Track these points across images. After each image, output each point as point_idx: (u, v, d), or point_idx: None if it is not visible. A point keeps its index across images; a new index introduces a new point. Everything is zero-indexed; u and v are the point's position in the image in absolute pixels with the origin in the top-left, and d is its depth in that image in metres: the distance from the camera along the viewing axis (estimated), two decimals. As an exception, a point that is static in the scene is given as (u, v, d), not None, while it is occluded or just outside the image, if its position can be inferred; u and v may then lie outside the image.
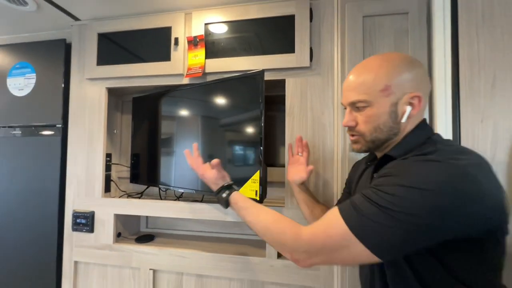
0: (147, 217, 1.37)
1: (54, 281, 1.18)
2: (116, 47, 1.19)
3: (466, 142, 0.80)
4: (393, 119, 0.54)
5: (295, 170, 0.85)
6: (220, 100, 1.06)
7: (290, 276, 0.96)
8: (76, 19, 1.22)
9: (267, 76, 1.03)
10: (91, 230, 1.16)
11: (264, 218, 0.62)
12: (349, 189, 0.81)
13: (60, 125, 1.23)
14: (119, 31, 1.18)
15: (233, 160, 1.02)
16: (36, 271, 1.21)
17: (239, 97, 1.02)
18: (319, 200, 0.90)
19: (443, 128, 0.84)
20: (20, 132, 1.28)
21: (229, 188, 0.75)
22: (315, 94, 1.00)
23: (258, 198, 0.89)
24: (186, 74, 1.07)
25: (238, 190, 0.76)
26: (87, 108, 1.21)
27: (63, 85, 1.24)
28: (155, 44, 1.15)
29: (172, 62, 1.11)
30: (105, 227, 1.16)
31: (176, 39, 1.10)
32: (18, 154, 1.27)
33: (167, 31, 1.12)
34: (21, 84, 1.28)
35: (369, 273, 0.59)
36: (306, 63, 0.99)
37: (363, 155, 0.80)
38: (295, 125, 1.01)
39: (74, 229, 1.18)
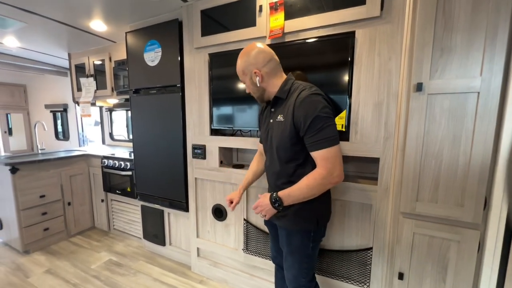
0: (237, 152, 1.83)
1: (183, 189, 1.82)
2: (214, 21, 1.54)
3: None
4: (255, 86, 1.00)
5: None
6: (311, 56, 1.26)
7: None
8: (184, 0, 1.61)
9: (337, 30, 1.19)
10: (204, 157, 1.69)
11: (303, 191, 0.90)
12: (259, 122, 1.19)
13: (179, 85, 1.73)
14: (215, 6, 1.51)
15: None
16: (173, 182, 1.86)
17: (329, 53, 1.21)
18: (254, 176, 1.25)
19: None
20: (155, 91, 1.86)
21: (276, 200, 0.93)
22: (383, 41, 1.11)
23: (344, 129, 1.20)
24: (269, 36, 1.33)
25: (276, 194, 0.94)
26: (196, 71, 1.65)
27: (179, 54, 1.70)
28: (243, 13, 1.42)
29: (257, 27, 1.38)
30: (213, 155, 1.66)
31: (260, 6, 1.35)
32: (155, 106, 1.87)
33: (252, 0, 1.38)
34: (153, 57, 1.82)
35: None
36: (377, 12, 1.09)
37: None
38: (362, 72, 1.17)
39: (193, 157, 1.73)
